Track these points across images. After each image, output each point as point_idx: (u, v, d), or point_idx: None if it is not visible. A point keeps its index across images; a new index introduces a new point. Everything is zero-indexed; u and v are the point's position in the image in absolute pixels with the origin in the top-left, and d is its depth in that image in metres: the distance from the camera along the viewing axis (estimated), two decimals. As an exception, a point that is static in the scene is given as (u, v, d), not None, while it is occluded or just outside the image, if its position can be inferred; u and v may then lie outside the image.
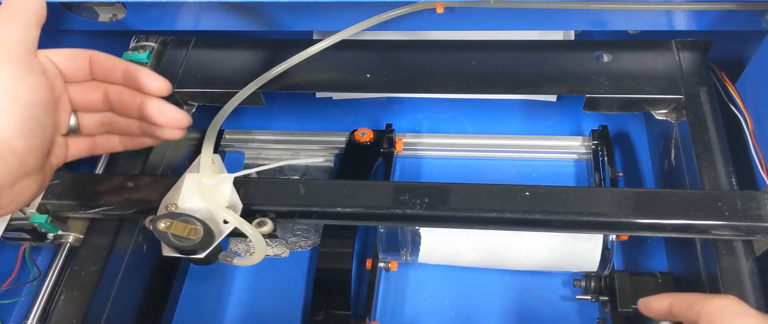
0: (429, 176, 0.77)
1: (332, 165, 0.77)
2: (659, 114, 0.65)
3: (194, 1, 0.63)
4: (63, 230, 0.58)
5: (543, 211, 0.53)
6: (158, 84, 0.51)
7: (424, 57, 0.69)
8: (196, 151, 0.66)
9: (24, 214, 0.56)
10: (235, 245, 0.74)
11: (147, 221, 0.50)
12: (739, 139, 0.61)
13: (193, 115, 0.70)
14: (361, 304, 0.65)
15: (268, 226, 0.53)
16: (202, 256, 0.50)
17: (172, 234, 0.49)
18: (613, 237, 0.61)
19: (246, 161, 0.78)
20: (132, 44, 0.75)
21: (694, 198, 0.53)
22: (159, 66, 0.72)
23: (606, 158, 0.69)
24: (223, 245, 0.54)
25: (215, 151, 0.61)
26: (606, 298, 0.60)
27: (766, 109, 0.58)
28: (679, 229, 0.53)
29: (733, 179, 0.57)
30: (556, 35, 0.74)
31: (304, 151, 0.77)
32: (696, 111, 0.62)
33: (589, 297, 0.62)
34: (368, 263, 0.67)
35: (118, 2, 0.65)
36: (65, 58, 0.50)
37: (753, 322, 0.39)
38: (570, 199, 0.53)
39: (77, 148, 0.53)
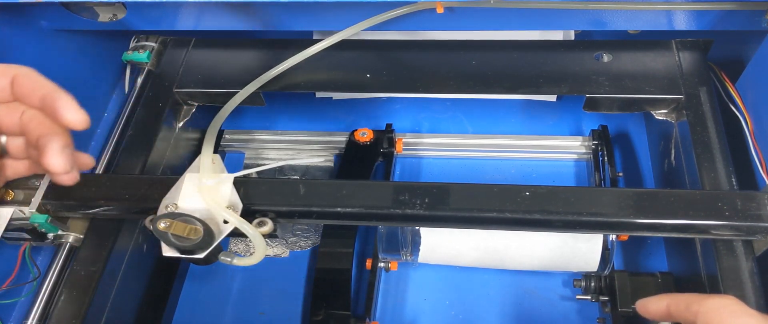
0: (429, 176, 0.77)
1: (332, 165, 0.77)
2: (659, 114, 0.65)
3: (194, 1, 0.63)
4: (63, 230, 0.58)
5: (543, 211, 0.53)
6: (76, 116, 0.44)
7: (424, 57, 0.69)
8: (196, 151, 0.66)
9: (24, 214, 0.56)
10: (235, 245, 0.74)
11: (147, 221, 0.50)
12: (739, 139, 0.61)
13: (193, 115, 0.70)
14: (361, 304, 0.65)
15: (268, 226, 0.53)
16: (202, 256, 0.50)
17: (172, 234, 0.49)
18: (613, 237, 0.61)
19: (246, 161, 0.78)
20: (132, 44, 0.75)
21: (694, 198, 0.53)
22: (159, 66, 0.72)
23: (606, 158, 0.69)
24: (223, 245, 0.54)
25: (215, 151, 0.61)
26: (606, 298, 0.60)
27: (766, 109, 0.58)
28: (679, 229, 0.53)
29: (733, 179, 0.57)
30: (556, 35, 0.74)
31: (304, 151, 0.77)
32: (696, 111, 0.62)
33: (589, 297, 0.62)
34: (368, 263, 0.67)
35: (118, 2, 0.65)
36: None
37: (751, 321, 0.39)
38: (570, 199, 0.53)
39: (14, 170, 0.50)
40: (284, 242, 0.73)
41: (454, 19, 0.65)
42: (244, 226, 0.51)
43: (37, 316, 0.57)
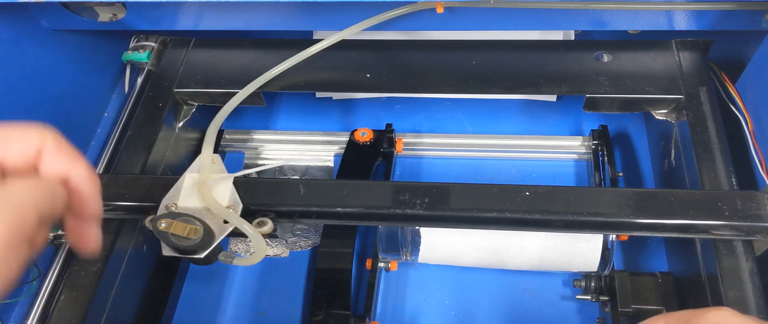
0: (429, 176, 0.77)
1: (332, 165, 0.77)
2: (659, 114, 0.65)
3: (194, 1, 0.63)
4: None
5: (543, 211, 0.53)
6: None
7: (424, 57, 0.69)
8: (196, 151, 0.66)
9: (24, 214, 0.56)
10: (235, 245, 0.74)
11: (147, 221, 0.50)
12: (739, 139, 0.61)
13: (193, 115, 0.70)
14: (361, 304, 0.65)
15: (268, 226, 0.53)
16: (202, 256, 0.50)
17: (172, 234, 0.49)
18: (613, 237, 0.61)
19: (246, 161, 0.78)
20: (132, 44, 0.75)
21: (694, 198, 0.53)
22: (159, 66, 0.72)
23: (606, 158, 0.69)
24: (223, 245, 0.54)
25: (215, 151, 0.61)
26: (606, 298, 0.60)
27: (766, 109, 0.58)
28: (679, 229, 0.53)
29: (733, 179, 0.57)
30: (556, 35, 0.74)
31: (304, 151, 0.77)
32: (696, 111, 0.62)
33: (589, 297, 0.62)
34: (368, 263, 0.67)
35: (118, 2, 0.65)
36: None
37: None
38: (570, 199, 0.53)
39: None
40: (284, 242, 0.73)
41: (454, 19, 0.65)
42: (244, 226, 0.51)
43: (37, 316, 0.57)
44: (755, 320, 0.39)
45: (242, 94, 0.63)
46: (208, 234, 0.50)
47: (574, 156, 0.76)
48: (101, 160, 0.68)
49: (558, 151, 0.76)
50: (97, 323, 0.55)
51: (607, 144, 0.71)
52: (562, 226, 0.53)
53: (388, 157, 0.74)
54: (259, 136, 0.78)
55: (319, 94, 0.82)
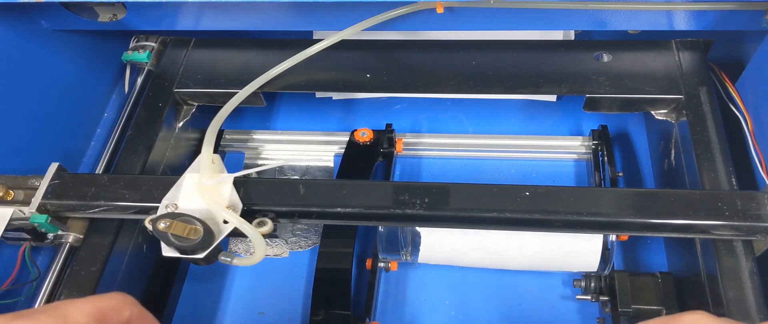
0: (429, 176, 0.77)
1: (332, 165, 0.77)
2: (659, 114, 0.65)
3: (194, 1, 0.63)
4: (63, 230, 0.58)
5: (543, 211, 0.53)
6: None
7: (424, 57, 0.69)
8: (196, 151, 0.67)
9: (24, 214, 0.56)
10: (235, 245, 0.74)
11: (147, 221, 0.50)
12: (739, 139, 0.61)
13: (193, 115, 0.70)
14: (361, 304, 0.65)
15: (268, 226, 0.53)
16: (202, 256, 0.50)
17: (172, 234, 0.49)
18: (613, 237, 0.61)
19: (246, 161, 0.78)
20: (132, 44, 0.75)
21: (694, 198, 0.53)
22: (159, 66, 0.72)
23: (606, 158, 0.69)
24: (223, 245, 0.54)
25: (215, 151, 0.61)
26: (606, 298, 0.60)
27: (766, 109, 0.58)
28: (679, 229, 0.53)
29: (733, 179, 0.57)
30: (556, 35, 0.74)
31: (304, 151, 0.77)
32: (696, 111, 0.62)
33: (589, 297, 0.62)
34: (368, 263, 0.67)
35: (118, 2, 0.65)
36: None
37: None
38: (570, 199, 0.53)
39: None
40: (284, 242, 0.73)
41: (454, 19, 0.65)
42: (244, 226, 0.51)
43: (37, 316, 0.57)
44: (730, 321, 0.40)
45: (242, 94, 0.63)
46: (208, 234, 0.50)
47: (574, 156, 0.76)
48: (101, 160, 0.68)
49: (558, 151, 0.76)
50: (97, 323, 0.55)
51: (607, 144, 0.71)
52: (562, 226, 0.53)
53: (388, 157, 0.74)
54: (259, 136, 0.79)
55: (319, 94, 0.82)
